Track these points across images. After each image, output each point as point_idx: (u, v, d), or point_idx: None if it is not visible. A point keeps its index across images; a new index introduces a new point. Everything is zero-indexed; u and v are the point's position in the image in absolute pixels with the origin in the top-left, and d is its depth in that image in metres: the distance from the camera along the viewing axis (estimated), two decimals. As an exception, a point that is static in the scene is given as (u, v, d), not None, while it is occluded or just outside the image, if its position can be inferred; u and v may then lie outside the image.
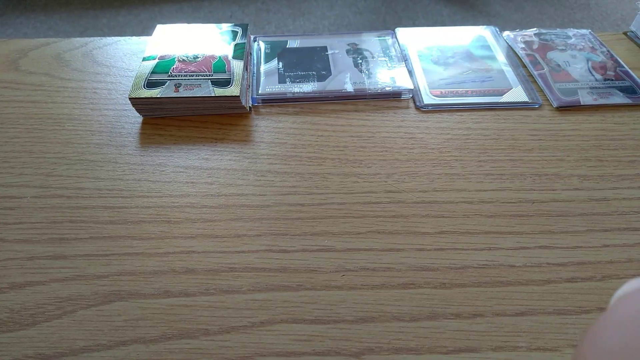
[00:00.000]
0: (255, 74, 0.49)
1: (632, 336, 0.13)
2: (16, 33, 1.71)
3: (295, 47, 0.53)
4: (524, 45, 0.54)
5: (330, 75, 0.49)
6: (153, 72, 0.45)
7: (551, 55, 0.53)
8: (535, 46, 0.54)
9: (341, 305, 0.32)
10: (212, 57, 0.48)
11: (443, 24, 1.79)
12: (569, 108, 0.47)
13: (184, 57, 0.47)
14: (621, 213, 0.37)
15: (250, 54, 0.52)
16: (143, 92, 0.43)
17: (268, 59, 0.51)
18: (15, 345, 0.29)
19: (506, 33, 0.56)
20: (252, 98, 0.47)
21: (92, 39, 0.56)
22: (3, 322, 0.30)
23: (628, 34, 0.57)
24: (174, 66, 0.46)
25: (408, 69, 0.50)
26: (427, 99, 0.47)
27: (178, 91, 0.43)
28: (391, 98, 0.48)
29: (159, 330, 0.30)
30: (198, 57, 0.47)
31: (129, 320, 0.31)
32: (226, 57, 0.48)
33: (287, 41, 0.54)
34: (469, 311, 0.31)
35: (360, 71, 0.49)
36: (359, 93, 0.47)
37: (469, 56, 0.52)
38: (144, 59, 0.47)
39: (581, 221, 0.37)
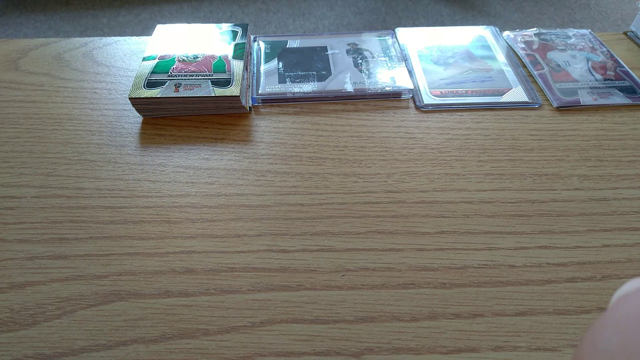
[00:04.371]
0: (255, 74, 0.49)
1: (632, 336, 0.13)
2: (16, 33, 1.71)
3: (295, 47, 0.53)
4: (524, 45, 0.54)
5: (330, 75, 0.49)
6: (153, 72, 0.45)
7: (551, 55, 0.53)
8: (535, 46, 0.54)
9: (341, 305, 0.32)
10: (212, 57, 0.48)
11: (443, 24, 1.79)
12: (569, 108, 0.47)
13: (184, 57, 0.47)
14: (621, 213, 0.37)
15: (250, 54, 0.52)
16: (143, 92, 0.43)
17: (268, 59, 0.51)
18: (15, 345, 0.29)
19: (506, 33, 0.56)
20: (252, 98, 0.47)
21: (92, 39, 0.56)
22: (3, 322, 0.30)
23: (628, 34, 0.57)
24: (174, 66, 0.46)
25: (408, 69, 0.50)
26: (427, 99, 0.47)
27: (178, 91, 0.43)
28: (391, 98, 0.48)
29: (159, 330, 0.30)
30: (198, 57, 0.47)
31: (129, 320, 0.31)
32: (226, 57, 0.48)
33: (287, 41, 0.54)
34: (469, 311, 0.31)
35: (360, 71, 0.49)
36: (359, 93, 0.47)
37: (469, 56, 0.52)
38: (144, 59, 0.47)
39: (581, 221, 0.37)
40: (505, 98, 0.47)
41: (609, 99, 0.47)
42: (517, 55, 0.53)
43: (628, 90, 0.48)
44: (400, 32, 0.56)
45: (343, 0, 1.91)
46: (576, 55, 0.53)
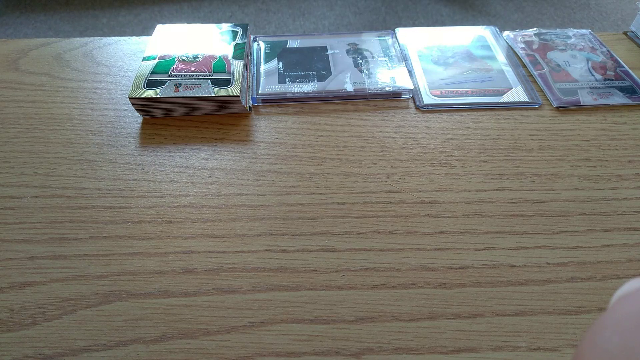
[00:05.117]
0: (255, 74, 0.49)
1: (632, 336, 0.13)
2: (16, 33, 1.71)
3: (295, 47, 0.53)
4: (524, 45, 0.54)
5: (330, 75, 0.49)
6: (153, 72, 0.45)
7: (551, 55, 0.53)
8: (535, 46, 0.54)
9: (341, 305, 0.32)
10: (212, 57, 0.48)
11: (443, 24, 1.79)
12: (569, 108, 0.47)
13: (184, 57, 0.47)
14: (621, 213, 0.37)
15: (250, 54, 0.52)
16: (143, 92, 0.43)
17: (268, 59, 0.51)
18: (15, 345, 0.29)
19: (506, 33, 0.56)
20: (252, 98, 0.47)
21: (92, 39, 0.56)
22: (3, 322, 0.30)
23: (628, 34, 0.57)
24: (174, 66, 0.46)
25: (408, 69, 0.50)
26: (427, 99, 0.47)
27: (178, 91, 0.43)
28: (391, 98, 0.48)
29: (159, 330, 0.30)
30: (198, 57, 0.47)
31: (129, 320, 0.31)
32: (226, 57, 0.48)
33: (287, 41, 0.54)
34: (469, 311, 0.31)
35: (360, 71, 0.49)
36: (359, 93, 0.47)
37: (469, 56, 0.52)
38: (144, 59, 0.47)
39: (581, 221, 0.37)
40: (505, 98, 0.47)
41: (609, 99, 0.47)
42: (517, 55, 0.53)
43: (628, 90, 0.48)
44: (400, 32, 0.56)
45: (343, 0, 1.91)
46: (576, 55, 0.53)
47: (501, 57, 0.52)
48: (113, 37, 0.56)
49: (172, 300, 0.32)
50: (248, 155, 0.42)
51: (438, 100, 0.47)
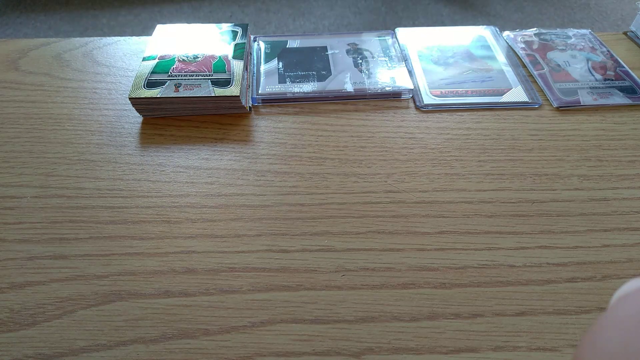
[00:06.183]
0: (255, 74, 0.49)
1: (632, 336, 0.13)
2: (16, 33, 1.71)
3: (295, 47, 0.53)
4: (524, 45, 0.54)
5: (330, 75, 0.49)
6: (153, 72, 0.45)
7: (551, 55, 0.53)
8: (535, 46, 0.54)
9: (341, 305, 0.32)
10: (212, 57, 0.48)
11: (443, 24, 1.79)
12: (569, 108, 0.47)
13: (184, 57, 0.47)
14: (621, 213, 0.37)
15: (250, 54, 0.52)
16: (143, 92, 0.43)
17: (268, 59, 0.51)
18: (15, 345, 0.29)
19: (506, 33, 0.56)
20: (252, 98, 0.47)
21: (92, 39, 0.56)
22: (3, 322, 0.30)
23: (628, 34, 0.57)
24: (174, 66, 0.46)
25: (408, 69, 0.50)
26: (427, 99, 0.47)
27: (178, 91, 0.43)
28: (391, 98, 0.48)
29: (159, 330, 0.30)
30: (198, 57, 0.47)
31: (129, 320, 0.31)
32: (226, 57, 0.48)
33: (287, 41, 0.54)
34: (469, 311, 0.31)
35: (360, 71, 0.49)
36: (359, 93, 0.47)
37: (469, 56, 0.52)
38: (144, 59, 0.47)
39: (581, 221, 0.37)
40: (505, 98, 0.47)
41: (609, 99, 0.47)
42: (517, 55, 0.53)
43: (628, 90, 0.48)
44: (400, 32, 0.56)
45: (343, 0, 1.91)
46: (576, 55, 0.53)
47: (501, 57, 0.52)
48: (113, 37, 0.56)
49: (172, 300, 0.32)
50: (248, 155, 0.42)
51: (438, 100, 0.47)
